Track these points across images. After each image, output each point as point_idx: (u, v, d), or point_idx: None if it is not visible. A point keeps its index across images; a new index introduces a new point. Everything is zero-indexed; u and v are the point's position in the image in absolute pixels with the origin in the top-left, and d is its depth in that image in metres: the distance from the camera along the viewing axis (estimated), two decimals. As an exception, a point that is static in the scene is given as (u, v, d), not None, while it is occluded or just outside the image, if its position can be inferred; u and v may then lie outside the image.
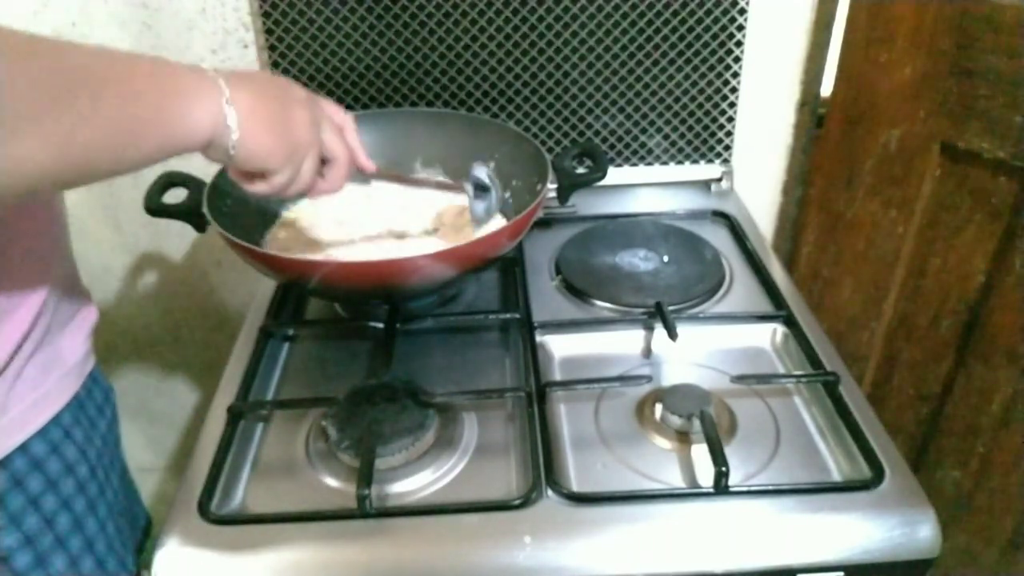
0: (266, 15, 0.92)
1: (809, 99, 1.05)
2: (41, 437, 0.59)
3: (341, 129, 0.62)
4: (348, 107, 0.98)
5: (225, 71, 0.51)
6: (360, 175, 0.66)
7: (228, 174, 0.58)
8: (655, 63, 0.97)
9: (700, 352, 0.76)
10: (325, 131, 0.59)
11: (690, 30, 0.95)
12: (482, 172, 0.76)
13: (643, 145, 1.03)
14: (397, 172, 0.69)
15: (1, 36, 0.40)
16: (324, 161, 0.60)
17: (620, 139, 1.03)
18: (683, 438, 0.66)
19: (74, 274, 0.68)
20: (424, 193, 0.90)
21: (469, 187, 0.76)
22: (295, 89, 0.57)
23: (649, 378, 0.69)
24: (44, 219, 0.62)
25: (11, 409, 0.57)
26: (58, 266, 0.64)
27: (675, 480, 0.62)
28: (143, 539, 0.80)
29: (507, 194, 0.88)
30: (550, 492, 0.60)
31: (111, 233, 1.13)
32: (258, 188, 0.56)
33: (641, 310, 0.80)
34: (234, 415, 0.67)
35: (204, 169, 0.68)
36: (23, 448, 0.58)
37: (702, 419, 0.63)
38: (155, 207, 0.75)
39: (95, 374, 0.69)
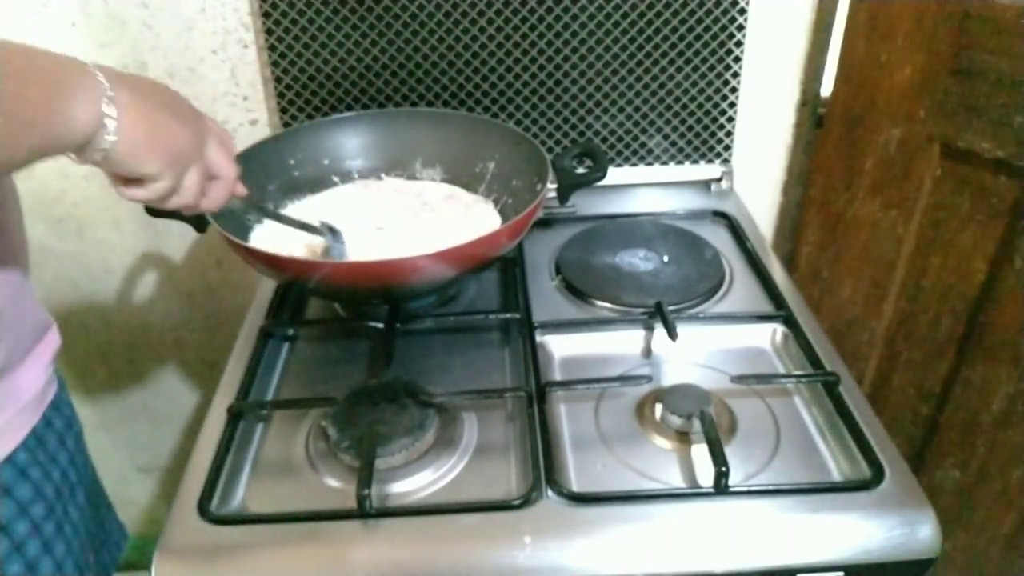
0: (266, 15, 0.92)
1: (809, 99, 1.05)
2: None
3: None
4: (348, 107, 0.98)
5: (107, 67, 0.48)
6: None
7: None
8: (655, 63, 0.97)
9: (700, 352, 0.76)
10: (211, 148, 0.56)
11: (690, 30, 0.95)
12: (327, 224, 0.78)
13: (643, 145, 1.03)
14: (262, 205, 0.70)
15: None
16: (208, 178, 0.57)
17: (620, 139, 1.03)
18: (683, 438, 0.66)
19: (32, 305, 0.65)
20: (424, 196, 0.90)
21: (327, 231, 0.76)
22: (181, 101, 0.54)
23: (649, 378, 0.69)
24: None
25: None
26: (12, 301, 0.60)
27: (675, 480, 0.62)
28: (118, 555, 0.78)
29: (506, 196, 0.88)
30: (550, 492, 0.60)
31: (111, 233, 1.13)
32: (135, 192, 0.52)
33: (641, 310, 0.80)
34: (234, 415, 0.67)
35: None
36: None
37: (702, 419, 0.63)
38: (155, 207, 0.75)
39: (57, 401, 0.66)
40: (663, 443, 0.66)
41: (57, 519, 0.64)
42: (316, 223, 0.76)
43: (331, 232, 0.77)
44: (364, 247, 0.80)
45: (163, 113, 0.51)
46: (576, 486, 0.61)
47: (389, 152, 0.93)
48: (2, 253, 0.59)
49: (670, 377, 0.72)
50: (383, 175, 0.93)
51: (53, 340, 0.67)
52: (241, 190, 0.63)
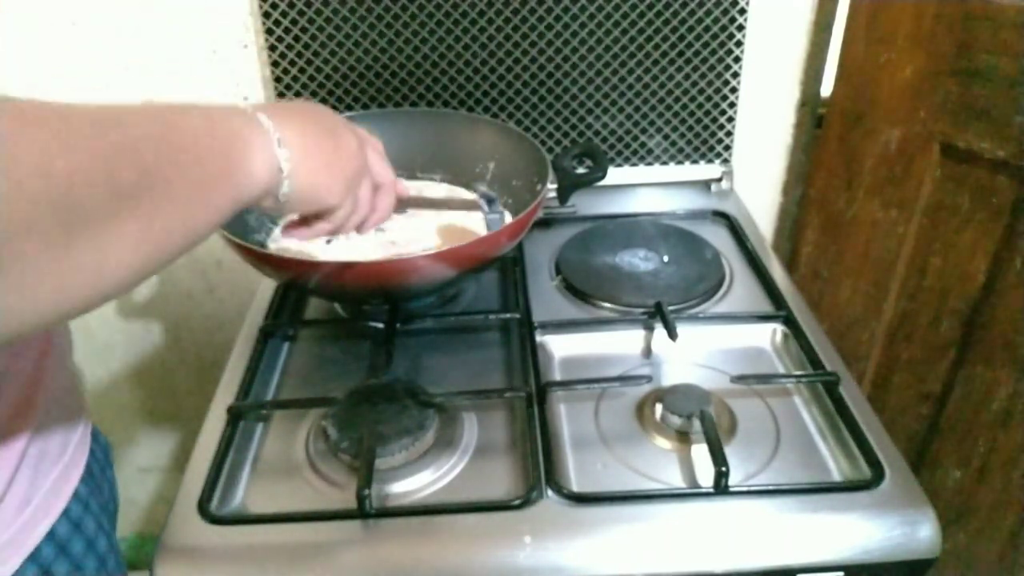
0: (266, 15, 0.92)
1: (809, 99, 1.05)
2: (64, 517, 0.54)
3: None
4: (348, 107, 0.98)
5: (261, 107, 0.46)
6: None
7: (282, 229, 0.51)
8: (655, 63, 0.97)
9: (700, 352, 0.76)
10: (371, 157, 0.55)
11: (690, 30, 0.95)
12: (483, 187, 0.76)
13: (643, 145, 1.03)
14: (421, 197, 0.69)
15: (55, 124, 0.32)
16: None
17: (620, 139, 1.03)
18: (683, 438, 0.66)
19: (75, 395, 0.62)
20: (425, 196, 0.90)
21: (483, 203, 0.75)
22: (334, 117, 0.52)
23: (649, 378, 0.69)
24: None
25: (35, 496, 0.51)
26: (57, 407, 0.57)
27: (675, 480, 0.62)
28: None
29: (506, 196, 0.88)
30: (550, 492, 0.60)
31: (111, 233, 1.12)
32: (320, 230, 0.52)
33: (641, 310, 0.80)
34: (234, 415, 0.67)
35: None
36: (49, 533, 0.52)
37: (702, 419, 0.63)
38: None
39: (94, 431, 0.64)
40: (663, 443, 0.66)
41: (117, 559, 0.62)
42: (471, 195, 0.73)
43: (488, 201, 0.73)
44: (364, 247, 0.80)
45: (328, 139, 0.49)
46: (576, 486, 0.61)
47: (389, 152, 0.92)
48: (59, 356, 0.57)
49: (670, 377, 0.72)
50: (383, 175, 0.93)
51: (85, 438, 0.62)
52: (405, 191, 0.61)
